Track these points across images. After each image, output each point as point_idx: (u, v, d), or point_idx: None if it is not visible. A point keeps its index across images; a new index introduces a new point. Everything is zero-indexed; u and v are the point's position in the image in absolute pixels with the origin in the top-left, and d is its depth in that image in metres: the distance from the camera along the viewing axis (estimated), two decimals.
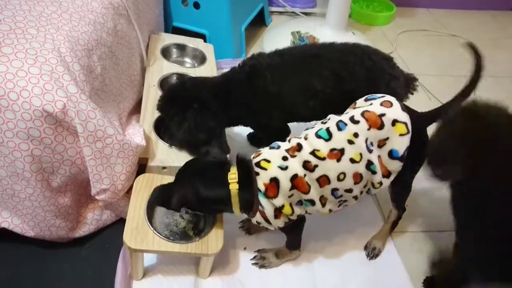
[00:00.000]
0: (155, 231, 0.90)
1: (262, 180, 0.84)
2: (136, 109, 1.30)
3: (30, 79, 0.86)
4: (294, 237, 1.02)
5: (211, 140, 1.05)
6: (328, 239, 1.13)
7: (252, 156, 0.90)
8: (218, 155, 0.95)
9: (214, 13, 1.69)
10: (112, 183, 0.98)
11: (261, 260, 1.05)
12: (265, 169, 0.85)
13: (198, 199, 0.86)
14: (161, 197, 0.88)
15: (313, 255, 1.09)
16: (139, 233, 0.89)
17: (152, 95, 1.28)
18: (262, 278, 1.02)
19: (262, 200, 0.85)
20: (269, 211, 0.86)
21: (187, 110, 1.04)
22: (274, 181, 0.83)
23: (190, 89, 1.08)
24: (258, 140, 1.36)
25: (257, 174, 0.85)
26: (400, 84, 1.08)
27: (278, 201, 0.84)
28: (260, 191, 0.84)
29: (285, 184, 0.83)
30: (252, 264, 1.05)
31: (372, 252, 1.11)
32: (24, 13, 0.95)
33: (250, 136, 1.38)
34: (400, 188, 1.01)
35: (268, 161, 0.85)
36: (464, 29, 2.25)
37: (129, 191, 1.03)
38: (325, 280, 1.04)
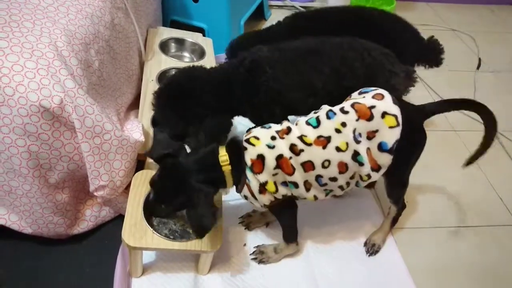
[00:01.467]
0: (153, 229, 0.89)
1: (249, 156, 0.87)
2: (135, 104, 1.29)
3: (26, 73, 0.84)
4: (288, 226, 1.02)
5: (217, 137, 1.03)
6: (328, 235, 1.13)
7: (244, 135, 0.92)
8: (195, 144, 0.99)
9: (213, 6, 1.67)
10: (111, 180, 0.97)
11: (260, 255, 1.05)
12: (253, 145, 0.88)
13: (206, 196, 0.85)
14: (160, 197, 0.88)
15: (313, 250, 1.09)
16: (138, 231, 0.88)
17: (150, 90, 1.27)
18: (261, 274, 1.02)
19: (249, 174, 0.88)
20: (254, 186, 0.88)
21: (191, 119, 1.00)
22: (260, 158, 0.86)
23: (188, 87, 1.03)
24: None
25: (246, 149, 0.88)
26: (400, 80, 1.07)
27: (262, 177, 0.87)
28: (247, 165, 0.87)
29: (270, 162, 0.86)
30: (251, 259, 1.04)
31: (372, 249, 1.10)
32: (19, 5, 0.93)
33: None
34: (395, 183, 1.01)
35: (258, 138, 0.88)
36: (464, 23, 2.24)
37: (128, 187, 1.02)
38: (325, 275, 1.04)
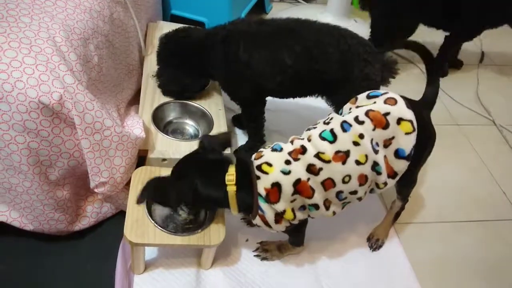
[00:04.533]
0: (156, 224, 0.89)
1: (263, 185, 0.81)
2: (135, 99, 1.28)
3: (25, 69, 0.83)
4: (296, 236, 1.01)
5: (184, 92, 1.21)
6: (330, 231, 1.13)
7: (253, 157, 0.87)
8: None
9: (213, 0, 1.65)
10: (111, 176, 0.96)
11: (264, 253, 1.04)
12: (266, 173, 0.82)
13: (195, 197, 0.83)
14: (158, 195, 0.85)
15: (315, 247, 1.08)
16: (140, 227, 0.88)
17: (151, 85, 1.26)
18: (264, 269, 1.02)
19: (263, 204, 0.83)
20: (270, 216, 0.83)
21: (168, 66, 1.18)
22: (276, 186, 0.81)
23: (176, 43, 1.17)
24: (241, 122, 1.37)
25: (258, 178, 0.82)
26: (375, 71, 1.07)
27: (279, 206, 0.82)
28: (260, 195, 0.82)
29: (287, 189, 0.81)
30: (254, 255, 1.04)
31: (375, 244, 1.10)
32: (16, 0, 0.92)
33: (234, 118, 1.39)
34: (406, 181, 0.99)
35: (270, 165, 0.82)
36: None
37: (128, 183, 1.01)
38: (327, 271, 1.04)
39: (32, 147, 0.87)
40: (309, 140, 0.84)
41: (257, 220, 0.86)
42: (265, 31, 1.09)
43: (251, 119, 1.25)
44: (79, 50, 0.94)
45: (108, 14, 1.11)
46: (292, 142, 0.86)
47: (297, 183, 0.81)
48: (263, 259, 1.04)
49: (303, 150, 0.82)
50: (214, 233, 0.91)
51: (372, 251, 1.09)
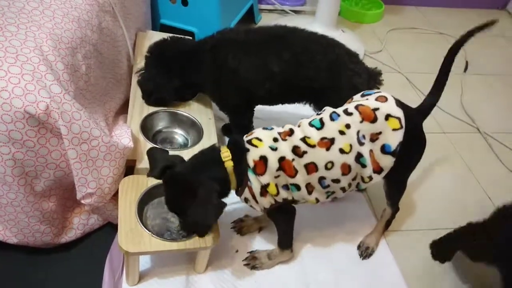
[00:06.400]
0: (152, 235, 0.88)
1: (252, 157, 0.85)
2: (124, 108, 1.27)
3: (10, 79, 0.82)
4: (284, 232, 1.01)
5: (159, 92, 1.20)
6: (321, 239, 1.12)
7: (245, 136, 0.90)
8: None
9: (202, 10, 1.66)
10: (99, 187, 0.95)
11: (253, 261, 1.03)
12: (256, 146, 0.86)
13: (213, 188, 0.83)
14: (200, 212, 0.81)
15: (306, 254, 1.08)
16: (135, 236, 0.86)
17: (139, 94, 1.25)
18: (254, 280, 1.01)
19: (251, 176, 0.86)
20: (256, 188, 0.86)
21: (153, 68, 1.20)
22: (263, 159, 0.85)
23: (164, 50, 1.19)
24: (231, 131, 1.37)
25: (248, 150, 0.86)
26: (362, 81, 1.09)
27: (264, 179, 0.85)
28: (249, 167, 0.85)
29: (273, 163, 0.84)
30: (244, 265, 1.03)
31: (365, 252, 1.10)
32: (2, 9, 0.91)
33: (224, 127, 1.39)
34: (395, 186, 1.01)
35: (260, 140, 0.87)
36: (452, 26, 2.27)
37: (116, 194, 1.00)
38: (317, 279, 1.03)
39: (17, 158, 0.85)
40: (298, 126, 0.90)
41: (246, 193, 0.88)
42: (253, 39, 1.11)
43: (240, 128, 1.25)
44: (66, 59, 0.94)
45: (97, 23, 1.11)
46: (283, 126, 0.91)
47: (282, 159, 0.85)
48: (253, 267, 1.03)
49: (291, 132, 0.88)
50: (210, 235, 0.91)
51: (362, 259, 1.09)
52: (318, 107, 1.16)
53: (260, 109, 1.23)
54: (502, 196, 1.34)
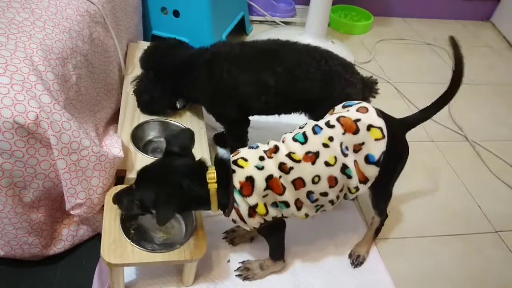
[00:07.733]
0: (134, 244, 0.87)
1: (238, 178, 0.85)
2: (114, 118, 1.26)
3: None
4: (275, 245, 1.01)
5: (156, 104, 1.22)
6: (312, 248, 1.12)
7: (231, 155, 0.90)
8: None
9: (194, 21, 1.68)
10: (88, 197, 0.94)
11: (245, 272, 1.02)
12: (242, 167, 0.85)
13: (180, 198, 0.83)
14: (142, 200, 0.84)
15: (297, 263, 1.08)
16: (118, 247, 0.85)
17: (130, 104, 1.25)
18: None
19: (237, 197, 0.85)
20: (244, 209, 0.86)
21: (144, 76, 1.22)
22: (250, 180, 0.84)
23: (158, 58, 1.20)
24: (223, 140, 1.38)
25: (234, 171, 0.85)
26: (356, 91, 1.11)
27: (252, 200, 0.84)
28: (235, 188, 0.85)
29: (260, 183, 0.84)
30: (236, 275, 1.02)
31: (357, 260, 1.10)
32: None
33: (216, 136, 1.40)
34: (381, 194, 1.02)
35: (246, 160, 0.86)
36: (438, 37, 2.33)
37: None
38: None
39: (5, 168, 0.84)
40: (283, 141, 0.89)
41: (233, 214, 0.87)
42: (247, 53, 1.12)
43: (236, 139, 1.25)
44: (57, 69, 0.94)
45: (88, 34, 1.11)
46: (268, 143, 0.91)
47: (269, 178, 0.84)
48: (245, 278, 1.02)
49: (275, 149, 0.87)
50: (195, 247, 0.89)
51: (354, 267, 1.10)
52: (314, 117, 1.17)
53: (254, 119, 1.24)
54: (490, 202, 1.36)
